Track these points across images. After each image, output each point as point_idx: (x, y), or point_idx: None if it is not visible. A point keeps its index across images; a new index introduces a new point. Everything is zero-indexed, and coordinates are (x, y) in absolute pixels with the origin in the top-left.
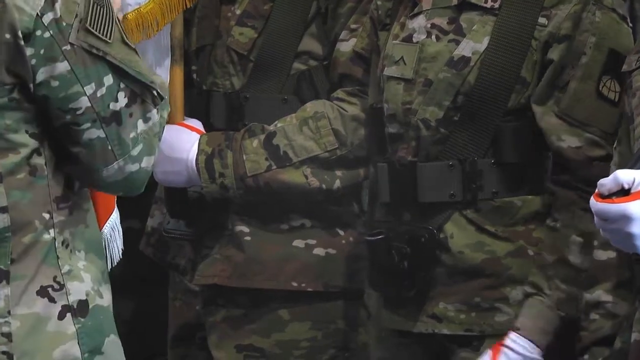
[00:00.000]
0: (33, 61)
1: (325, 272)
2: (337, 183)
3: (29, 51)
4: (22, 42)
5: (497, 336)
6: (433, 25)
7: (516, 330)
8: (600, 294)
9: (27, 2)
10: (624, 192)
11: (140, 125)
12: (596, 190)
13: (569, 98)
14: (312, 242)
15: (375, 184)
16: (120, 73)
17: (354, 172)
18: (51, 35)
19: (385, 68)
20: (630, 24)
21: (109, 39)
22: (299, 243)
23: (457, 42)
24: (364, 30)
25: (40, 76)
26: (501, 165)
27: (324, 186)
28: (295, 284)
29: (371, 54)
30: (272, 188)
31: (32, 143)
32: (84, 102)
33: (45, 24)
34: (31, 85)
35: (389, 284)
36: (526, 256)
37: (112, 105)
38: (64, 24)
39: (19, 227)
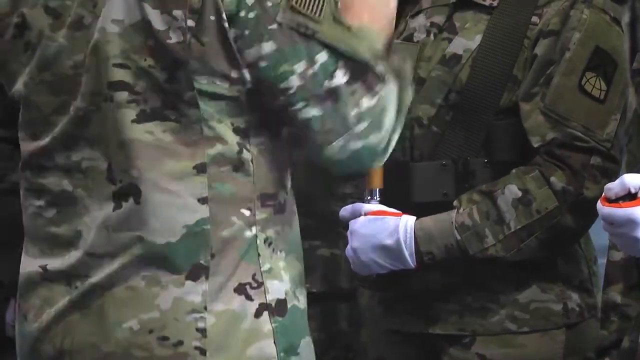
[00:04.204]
0: (238, 43)
1: (330, 273)
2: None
3: (232, 33)
4: (226, 25)
5: (488, 335)
6: (432, 24)
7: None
8: (615, 295)
9: None
10: (631, 197)
11: (365, 102)
12: (603, 194)
13: (552, 93)
14: (317, 242)
15: None
16: (334, 51)
17: None
18: (256, 15)
19: None
20: (627, 25)
21: (319, 16)
22: (303, 244)
23: (450, 40)
24: None
25: (248, 58)
26: (494, 165)
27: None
28: None
29: None
30: None
31: (237, 138)
32: (295, 82)
33: (249, 4)
34: (241, 72)
35: (383, 283)
36: None
37: (327, 83)
38: (269, 3)
39: (217, 222)
